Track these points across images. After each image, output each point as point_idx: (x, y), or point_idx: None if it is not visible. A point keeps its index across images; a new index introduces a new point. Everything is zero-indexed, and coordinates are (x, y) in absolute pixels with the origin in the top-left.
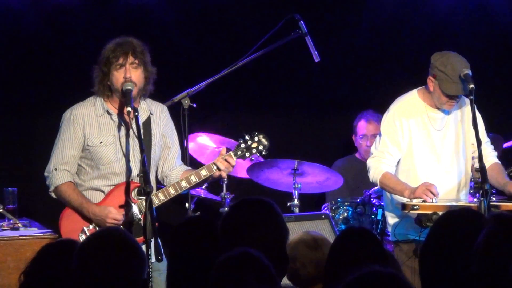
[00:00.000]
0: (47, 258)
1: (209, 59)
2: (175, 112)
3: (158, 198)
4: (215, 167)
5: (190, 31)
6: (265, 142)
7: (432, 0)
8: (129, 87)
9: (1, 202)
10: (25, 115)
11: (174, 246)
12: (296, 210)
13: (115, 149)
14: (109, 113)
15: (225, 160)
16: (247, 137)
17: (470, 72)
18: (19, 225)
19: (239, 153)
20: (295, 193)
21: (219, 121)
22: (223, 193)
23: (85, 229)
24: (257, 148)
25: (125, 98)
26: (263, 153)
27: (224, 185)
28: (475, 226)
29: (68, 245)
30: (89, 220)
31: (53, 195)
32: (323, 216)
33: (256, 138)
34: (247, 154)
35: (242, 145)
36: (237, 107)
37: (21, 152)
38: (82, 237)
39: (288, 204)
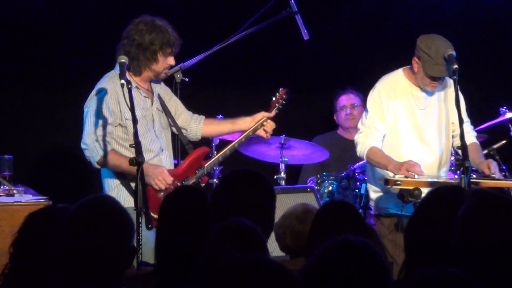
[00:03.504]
0: (34, 227)
1: (202, 35)
2: (168, 85)
3: (218, 160)
4: (259, 126)
5: (183, 7)
6: (284, 95)
7: None
8: (123, 60)
9: None
10: (22, 86)
11: (163, 215)
12: (283, 183)
13: (146, 122)
14: (137, 88)
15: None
16: (277, 95)
17: (454, 53)
18: (14, 191)
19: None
20: (282, 166)
21: (210, 95)
22: None
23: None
24: (282, 100)
25: (120, 70)
26: (284, 103)
27: None
28: (459, 201)
29: (52, 213)
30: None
31: (97, 165)
32: (308, 189)
33: (280, 93)
34: (280, 107)
35: (277, 104)
36: (227, 82)
37: (18, 120)
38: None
39: (275, 177)
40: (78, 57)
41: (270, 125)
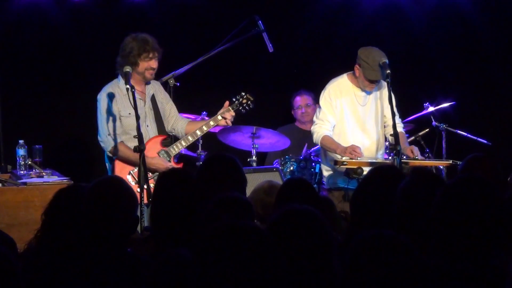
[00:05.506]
0: (60, 200)
1: (190, 49)
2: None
3: (181, 144)
4: (220, 117)
5: (176, 26)
6: (251, 98)
7: (361, 6)
8: (128, 70)
9: (30, 156)
10: (49, 92)
11: (157, 190)
12: (254, 164)
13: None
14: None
15: (228, 112)
16: (238, 96)
17: (387, 61)
18: (44, 174)
19: (235, 107)
20: (254, 151)
21: (196, 96)
22: (198, 151)
23: (131, 172)
24: (246, 103)
25: (125, 78)
26: (251, 106)
27: (200, 145)
28: (394, 178)
29: (75, 190)
30: (132, 166)
31: (110, 154)
32: (274, 169)
33: (245, 96)
34: (241, 108)
35: (236, 102)
36: (210, 86)
37: (47, 118)
38: (129, 177)
39: (248, 160)
40: (92, 69)
41: (229, 114)
